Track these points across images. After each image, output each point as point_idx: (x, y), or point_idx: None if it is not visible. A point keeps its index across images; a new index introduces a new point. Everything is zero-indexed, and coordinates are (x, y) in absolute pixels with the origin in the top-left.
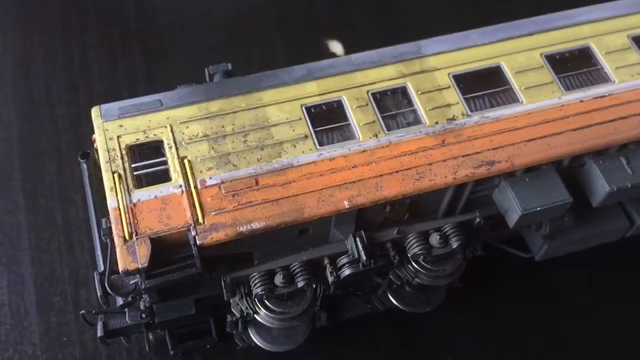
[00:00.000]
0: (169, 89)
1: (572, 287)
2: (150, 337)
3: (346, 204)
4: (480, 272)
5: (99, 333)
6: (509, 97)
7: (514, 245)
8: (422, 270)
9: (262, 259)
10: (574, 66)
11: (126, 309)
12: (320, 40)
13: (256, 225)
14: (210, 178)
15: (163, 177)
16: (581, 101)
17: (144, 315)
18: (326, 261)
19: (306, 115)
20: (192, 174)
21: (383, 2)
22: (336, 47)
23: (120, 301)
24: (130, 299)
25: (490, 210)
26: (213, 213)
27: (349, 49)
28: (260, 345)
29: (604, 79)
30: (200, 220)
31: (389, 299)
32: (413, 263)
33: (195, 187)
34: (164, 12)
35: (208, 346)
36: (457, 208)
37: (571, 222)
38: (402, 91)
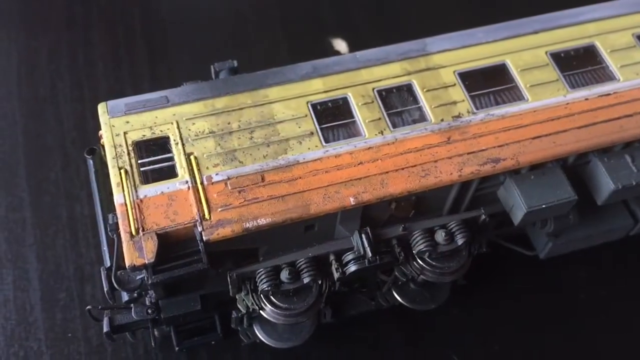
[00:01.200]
0: (173, 87)
1: (575, 285)
2: (156, 333)
3: (352, 201)
4: (485, 270)
5: (105, 328)
6: (515, 95)
7: (519, 243)
8: (427, 267)
9: (268, 255)
10: (579, 64)
11: (132, 305)
12: (324, 38)
13: (262, 221)
14: (216, 174)
15: (169, 173)
16: (586, 99)
17: (150, 311)
18: (332, 257)
19: (312, 112)
20: (199, 170)
21: (386, 0)
22: (340, 45)
23: (126, 297)
24: (136, 294)
25: (495, 207)
26: (219, 209)
27: (352, 47)
28: (265, 341)
29: (609, 77)
30: (207, 216)
31: (394, 296)
32: (418, 260)
33: (202, 183)
34: (168, 11)
35: (213, 342)
36: (462, 205)
37: (576, 220)
38: (408, 88)
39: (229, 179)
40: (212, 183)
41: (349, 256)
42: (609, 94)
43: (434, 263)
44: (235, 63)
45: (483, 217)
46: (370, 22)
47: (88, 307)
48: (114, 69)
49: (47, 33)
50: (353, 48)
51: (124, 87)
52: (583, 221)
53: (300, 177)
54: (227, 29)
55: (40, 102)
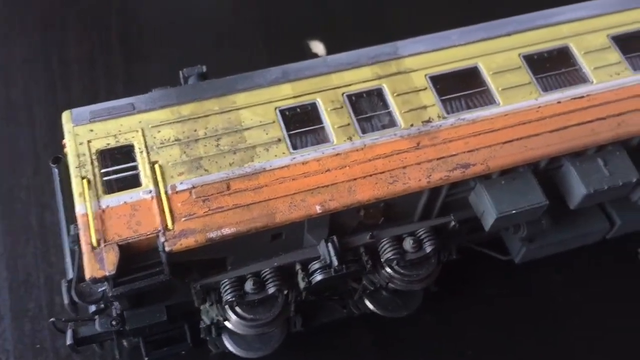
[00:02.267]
0: (148, 90)
1: (550, 288)
2: (125, 343)
3: (318, 209)
4: (458, 275)
5: (69, 341)
6: (486, 99)
7: (494, 247)
8: (396, 275)
9: (236, 264)
10: (553, 66)
11: (97, 316)
12: (302, 40)
13: (226, 231)
14: (181, 183)
15: (133, 182)
16: (559, 102)
17: (114, 323)
18: (298, 267)
19: (280, 118)
20: (163, 179)
21: (367, 1)
22: (318, 47)
23: (93, 308)
24: (102, 305)
25: (467, 212)
26: (183, 219)
27: (331, 49)
28: (234, 351)
29: (582, 79)
30: (170, 226)
31: (366, 303)
32: (386, 268)
33: (166, 192)
34: (145, 12)
35: (183, 352)
36: (434, 211)
37: (548, 225)
38: (378, 93)
39: (193, 187)
40: (177, 192)
41: (315, 265)
42: (582, 97)
43: (402, 271)
44: (204, 68)
45: (453, 223)
46: (353, 22)
47: (52, 319)
48: (88, 72)
49: (22, 35)
50: (333, 49)
51: (97, 90)
52: (558, 225)
53: (266, 185)
54: (205, 32)
55: (13, 105)
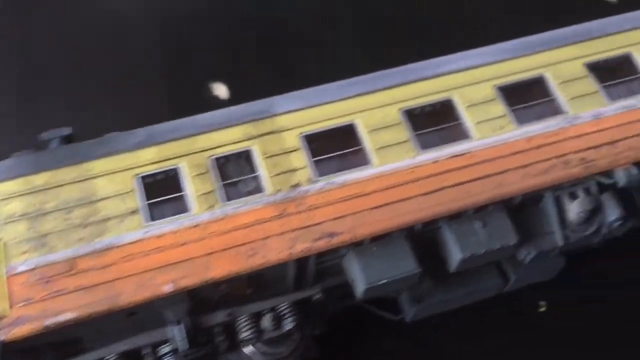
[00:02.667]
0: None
1: (446, 346)
2: None
3: (167, 289)
4: (349, 335)
5: None
6: (360, 159)
7: (388, 304)
8: (257, 354)
9: (93, 342)
10: (434, 121)
11: None
12: (204, 83)
13: (65, 316)
14: (22, 263)
15: None
16: (435, 161)
17: None
18: (145, 351)
19: (139, 186)
20: (4, 259)
21: (273, 45)
22: (220, 89)
23: None
24: None
25: (344, 277)
26: (21, 304)
27: (235, 92)
28: None
29: (463, 135)
30: (6, 312)
31: None
32: (246, 347)
33: (4, 274)
34: (41, 57)
35: None
36: (307, 279)
37: (429, 287)
38: (247, 156)
39: (35, 268)
40: (16, 274)
41: (164, 349)
42: (461, 154)
43: (263, 349)
44: (68, 131)
45: (317, 296)
46: (264, 67)
47: None
48: None
49: None
50: (236, 92)
51: None
52: (450, 282)
53: (114, 263)
54: (105, 79)
55: None
